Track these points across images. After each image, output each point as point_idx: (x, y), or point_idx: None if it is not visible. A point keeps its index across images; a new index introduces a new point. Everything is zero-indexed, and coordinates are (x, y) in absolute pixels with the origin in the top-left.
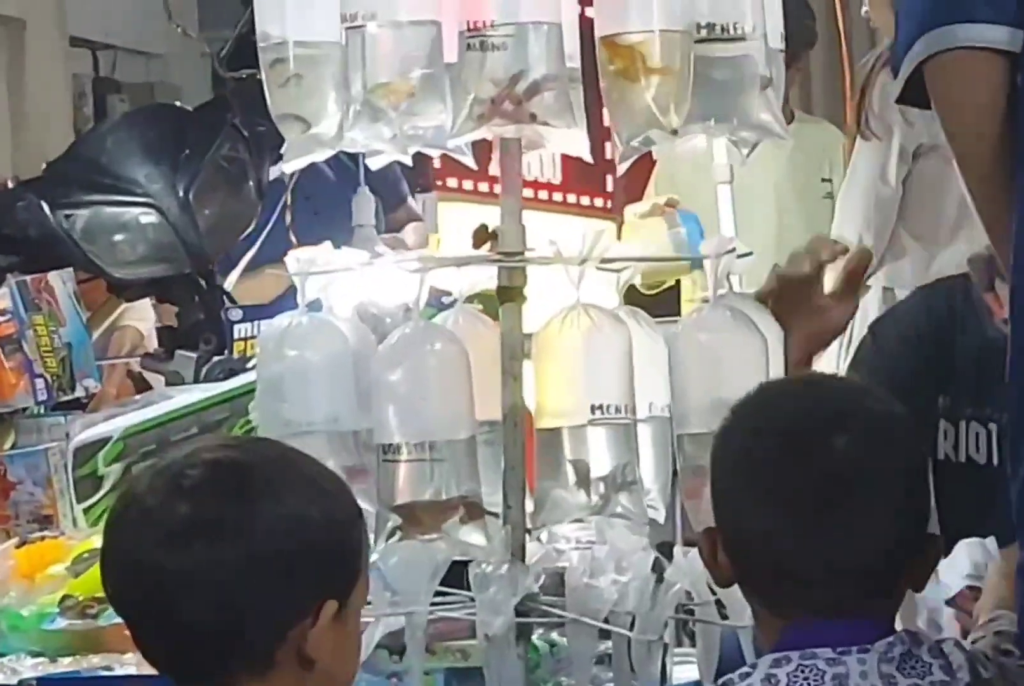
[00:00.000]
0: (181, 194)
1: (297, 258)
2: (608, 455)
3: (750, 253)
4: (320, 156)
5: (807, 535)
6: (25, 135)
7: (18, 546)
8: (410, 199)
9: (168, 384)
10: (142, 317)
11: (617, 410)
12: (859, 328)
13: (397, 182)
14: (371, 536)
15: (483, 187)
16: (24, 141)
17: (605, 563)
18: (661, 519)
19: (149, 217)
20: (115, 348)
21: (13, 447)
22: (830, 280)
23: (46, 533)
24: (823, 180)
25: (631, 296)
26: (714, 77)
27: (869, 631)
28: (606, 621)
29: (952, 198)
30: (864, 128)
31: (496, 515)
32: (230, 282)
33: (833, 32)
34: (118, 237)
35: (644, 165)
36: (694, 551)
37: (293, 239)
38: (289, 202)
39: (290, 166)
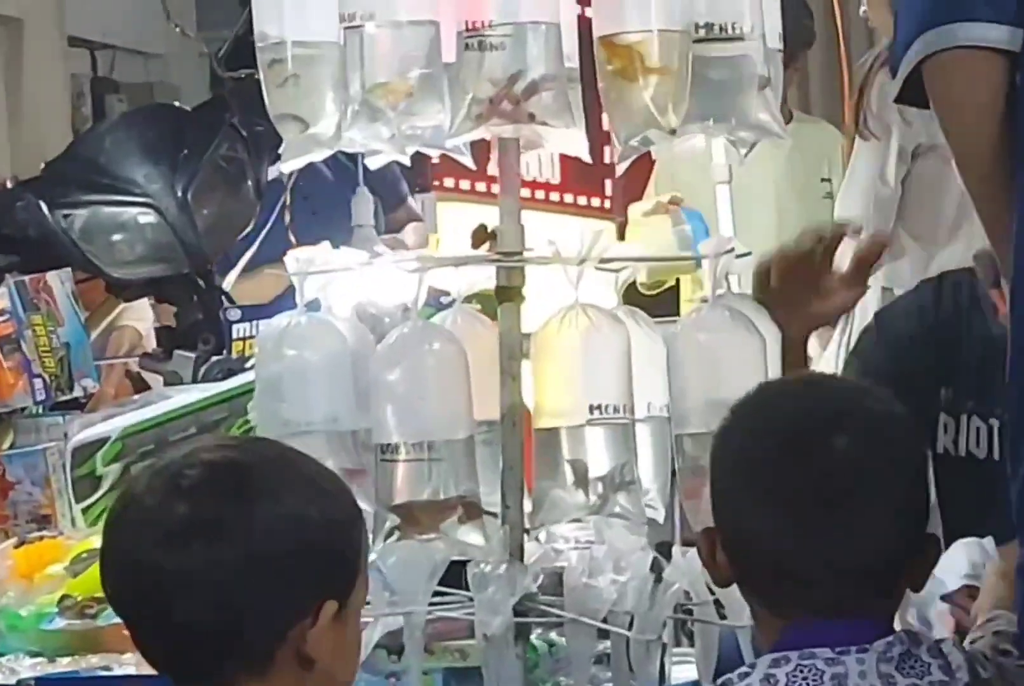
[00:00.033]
0: (179, 194)
1: (296, 258)
2: (606, 455)
3: (749, 253)
4: (318, 156)
5: (807, 535)
6: (23, 135)
7: (17, 546)
8: (410, 199)
9: (166, 384)
10: (140, 317)
11: (615, 410)
12: (859, 326)
13: (396, 182)
14: (370, 536)
15: (481, 187)
16: (22, 141)
17: (604, 563)
18: (660, 519)
19: (147, 217)
20: (113, 348)
21: (11, 447)
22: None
23: (45, 533)
24: (822, 180)
25: (630, 296)
26: (712, 77)
27: (868, 631)
28: (605, 621)
29: (951, 198)
30: (863, 128)
31: (494, 515)
32: (229, 282)
33: (831, 32)
34: (116, 237)
35: (644, 165)
36: (693, 551)
37: (292, 239)
38: (288, 202)
39: (288, 166)
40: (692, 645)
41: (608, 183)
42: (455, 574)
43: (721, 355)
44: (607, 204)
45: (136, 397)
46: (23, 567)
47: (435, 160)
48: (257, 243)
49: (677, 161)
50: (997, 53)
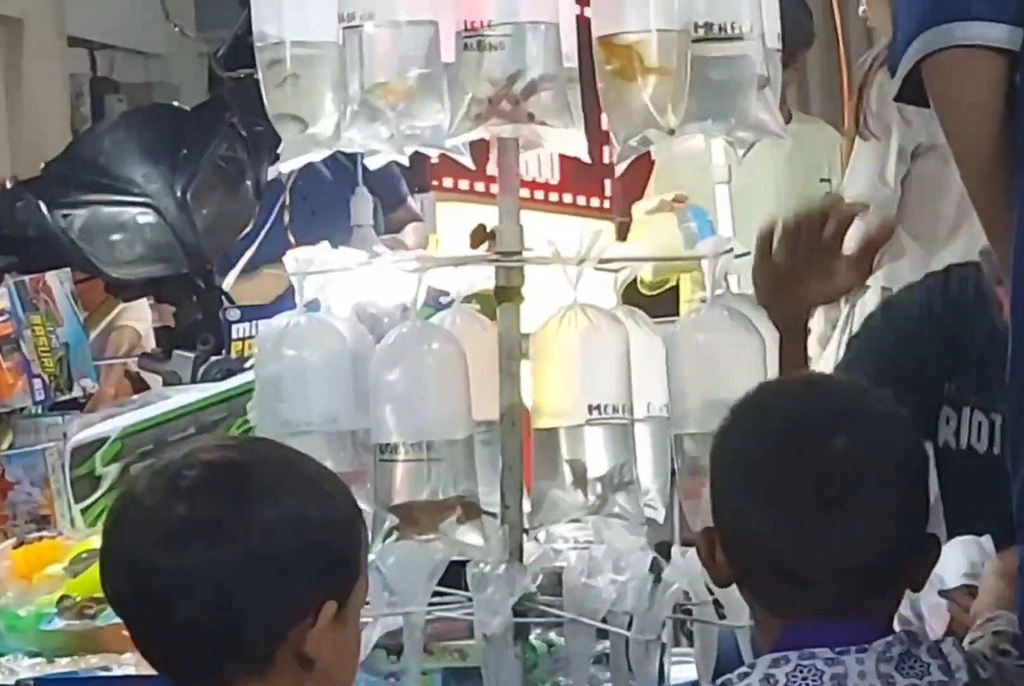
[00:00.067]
0: (179, 194)
1: (295, 258)
2: (605, 455)
3: (748, 253)
4: (317, 156)
5: (806, 535)
6: (23, 135)
7: (16, 546)
8: (409, 199)
9: (166, 384)
10: (140, 317)
11: (614, 410)
12: (858, 326)
13: (396, 182)
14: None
15: (480, 187)
16: (22, 141)
17: (603, 563)
18: (660, 519)
19: (147, 217)
20: (113, 348)
21: (11, 447)
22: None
23: (44, 533)
24: (821, 180)
25: (630, 296)
26: (711, 77)
27: (868, 631)
28: (604, 621)
29: (951, 198)
30: (862, 128)
31: (494, 515)
32: (228, 282)
33: (830, 32)
34: (116, 237)
35: (643, 165)
36: (692, 551)
37: (291, 239)
38: (287, 202)
39: (287, 166)
40: (691, 645)
41: (607, 183)
42: (454, 574)
43: (720, 355)
44: (606, 204)
45: (135, 397)
46: (22, 567)
47: (434, 160)
48: (256, 243)
49: (677, 161)
50: (997, 52)
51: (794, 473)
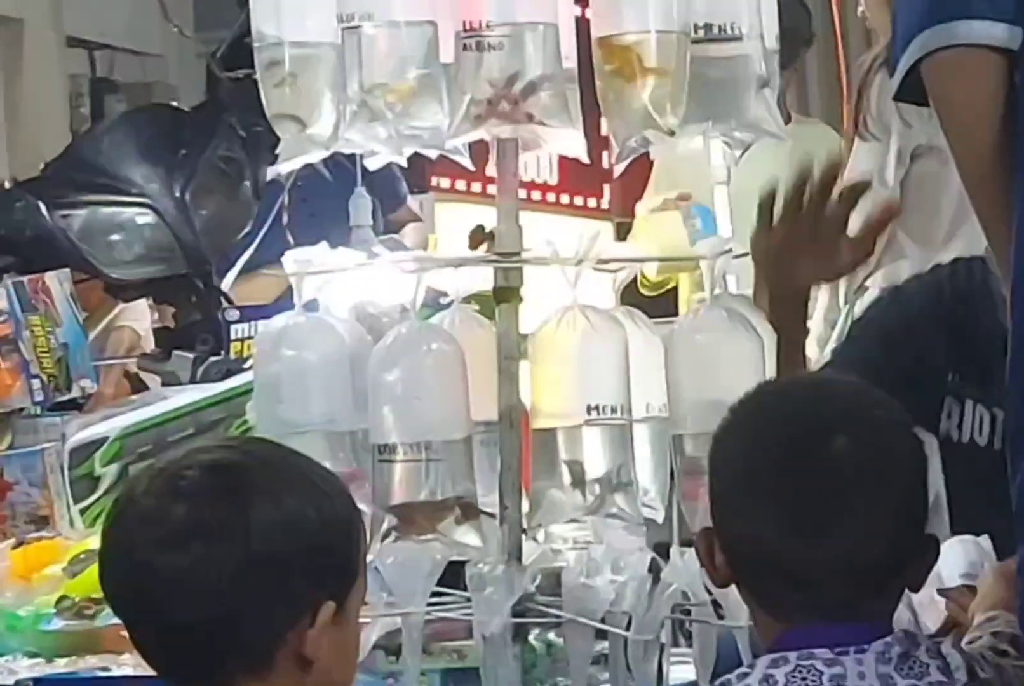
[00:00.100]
0: (177, 194)
1: (294, 258)
2: (604, 456)
3: (747, 253)
4: (315, 156)
5: (806, 536)
6: (22, 135)
7: (15, 547)
8: (409, 200)
9: (164, 384)
10: (139, 317)
11: (613, 411)
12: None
13: (396, 183)
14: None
15: (479, 188)
16: (21, 141)
17: (602, 563)
18: (659, 519)
19: (145, 217)
20: (112, 348)
21: (10, 447)
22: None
23: (43, 534)
24: None
25: (629, 296)
26: (711, 77)
27: (867, 632)
28: (603, 621)
29: (950, 199)
30: (861, 129)
31: (492, 515)
32: (227, 283)
33: (829, 32)
34: (115, 237)
35: (642, 166)
36: (691, 551)
37: (290, 240)
38: (286, 203)
39: (285, 166)
40: (690, 645)
41: (607, 186)
42: (453, 574)
43: (719, 355)
44: (605, 205)
45: (134, 397)
46: (21, 568)
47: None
48: (256, 244)
49: (676, 161)
50: (996, 52)
51: (793, 474)
